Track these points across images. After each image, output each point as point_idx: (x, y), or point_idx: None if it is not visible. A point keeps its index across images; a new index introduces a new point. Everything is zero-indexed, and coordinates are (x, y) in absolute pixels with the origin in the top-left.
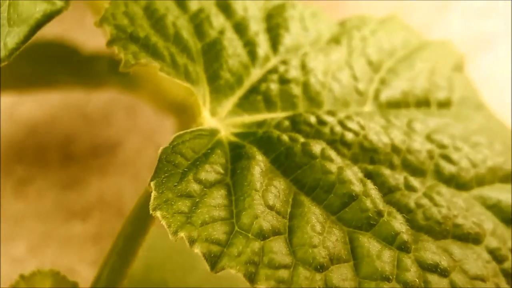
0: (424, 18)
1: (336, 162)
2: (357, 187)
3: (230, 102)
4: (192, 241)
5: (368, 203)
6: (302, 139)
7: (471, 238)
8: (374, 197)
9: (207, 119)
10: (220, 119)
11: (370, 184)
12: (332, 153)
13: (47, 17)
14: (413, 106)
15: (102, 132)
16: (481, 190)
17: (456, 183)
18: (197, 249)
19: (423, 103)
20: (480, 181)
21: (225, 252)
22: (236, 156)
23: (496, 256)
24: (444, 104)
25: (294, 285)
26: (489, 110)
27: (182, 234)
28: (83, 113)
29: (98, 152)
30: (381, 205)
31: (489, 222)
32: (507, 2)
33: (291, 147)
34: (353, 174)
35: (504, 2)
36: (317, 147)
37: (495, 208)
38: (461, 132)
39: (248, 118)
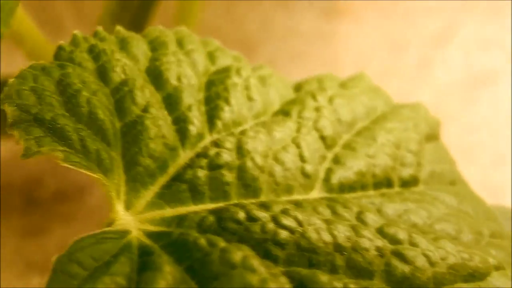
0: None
1: (258, 272)
2: None
3: (150, 193)
4: None
5: None
6: (222, 244)
7: None
8: None
9: (121, 214)
10: (136, 213)
11: None
12: (255, 262)
13: None
14: (371, 188)
15: (70, 175)
16: None
17: (410, 285)
18: None
19: (383, 183)
20: (439, 282)
21: None
22: (144, 264)
23: None
24: (409, 183)
25: None
26: (464, 185)
27: None
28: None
29: (65, 197)
30: None
31: None
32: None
33: (209, 253)
34: (277, 287)
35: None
36: (238, 254)
37: None
38: (423, 220)
39: (170, 212)
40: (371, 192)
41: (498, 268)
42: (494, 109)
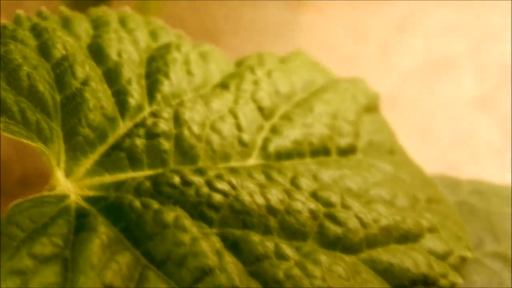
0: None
1: (190, 231)
2: (211, 261)
3: (89, 161)
4: None
5: (223, 279)
6: (156, 206)
7: None
8: (230, 272)
9: (61, 181)
10: (76, 180)
11: (228, 257)
12: (187, 222)
13: None
14: (308, 156)
15: (35, 162)
16: (372, 252)
17: (343, 245)
18: None
19: (320, 151)
20: (371, 243)
21: None
22: (80, 226)
23: None
24: (346, 152)
25: None
26: (403, 155)
27: None
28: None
29: (30, 184)
30: (237, 280)
31: None
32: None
33: (143, 215)
34: (208, 245)
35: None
36: (170, 215)
37: (386, 274)
38: (358, 185)
39: (109, 178)
40: (308, 160)
41: (431, 230)
42: (455, 94)
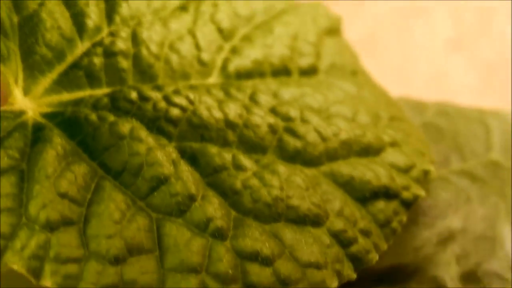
0: None
1: (146, 142)
2: (166, 169)
3: (48, 79)
4: None
5: (179, 187)
6: (111, 118)
7: (308, 221)
8: (186, 180)
9: (18, 99)
10: (33, 98)
11: (183, 166)
12: (142, 133)
13: None
14: (269, 76)
15: None
16: (332, 165)
17: (303, 159)
18: None
19: (281, 71)
20: (332, 156)
21: (9, 246)
22: (36, 139)
23: (340, 239)
24: (308, 72)
25: (84, 281)
26: (366, 77)
27: None
28: None
29: None
30: (193, 188)
31: (337, 202)
32: None
33: (99, 127)
34: (164, 155)
35: None
36: (125, 126)
37: (347, 186)
38: (319, 103)
39: (67, 96)
40: (269, 80)
41: (393, 145)
42: (430, 36)
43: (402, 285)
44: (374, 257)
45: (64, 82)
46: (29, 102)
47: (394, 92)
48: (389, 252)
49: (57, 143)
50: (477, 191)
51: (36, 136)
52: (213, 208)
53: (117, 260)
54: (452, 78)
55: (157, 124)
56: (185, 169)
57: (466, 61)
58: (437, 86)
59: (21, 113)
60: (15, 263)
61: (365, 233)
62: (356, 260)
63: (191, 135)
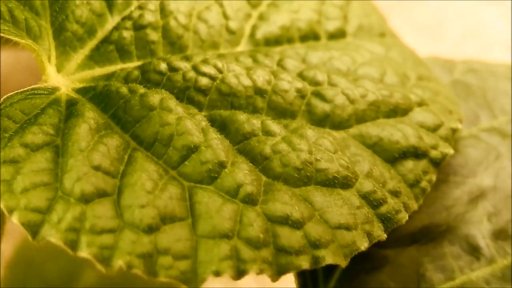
0: None
1: (175, 112)
2: (196, 138)
3: (80, 56)
4: (10, 211)
5: (209, 155)
6: (141, 90)
7: (338, 183)
8: (215, 147)
9: (52, 76)
10: (67, 75)
11: (212, 134)
12: (172, 103)
13: None
14: (297, 41)
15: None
16: (361, 127)
17: (332, 122)
18: (15, 219)
19: (309, 36)
20: (360, 118)
21: (46, 219)
22: (69, 114)
23: (370, 200)
24: (336, 36)
25: (119, 250)
26: (394, 38)
27: (1, 204)
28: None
29: None
30: (223, 155)
31: (366, 163)
32: None
33: (129, 99)
34: (193, 124)
35: None
36: (155, 97)
37: (376, 147)
38: (346, 65)
39: (99, 71)
40: (298, 45)
41: (421, 104)
42: None
43: (434, 244)
44: (404, 216)
45: (96, 57)
46: (62, 79)
47: (428, 47)
48: (420, 212)
49: (90, 117)
50: (507, 148)
51: (69, 111)
52: (243, 174)
53: (151, 229)
54: (485, 30)
55: (187, 94)
56: (215, 137)
57: (499, 12)
58: (470, 39)
59: (54, 89)
60: (52, 235)
61: (395, 193)
62: (386, 220)
63: (221, 103)
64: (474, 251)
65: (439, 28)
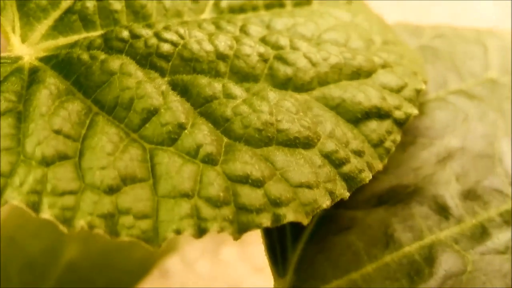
0: None
1: (135, 76)
2: (156, 101)
3: (44, 26)
4: None
5: (168, 117)
6: (102, 56)
7: (299, 143)
8: (175, 110)
9: (16, 46)
10: (31, 45)
11: (172, 96)
12: (132, 68)
13: None
14: (262, 9)
15: None
16: (324, 90)
17: (294, 85)
18: None
19: (274, 4)
20: (323, 81)
21: (8, 183)
22: (31, 81)
23: (332, 160)
24: (302, 3)
25: (81, 211)
26: (361, 4)
27: None
28: None
29: None
30: (183, 117)
31: (328, 124)
32: None
33: (91, 66)
34: (153, 88)
35: None
36: (116, 62)
37: (338, 108)
38: (310, 31)
39: (63, 41)
40: (262, 12)
41: (384, 66)
42: None
43: (402, 205)
44: (368, 176)
45: (60, 27)
46: (26, 49)
47: (392, 18)
48: (388, 173)
49: (51, 83)
50: (475, 110)
51: (32, 78)
52: (203, 135)
53: (111, 190)
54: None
55: (150, 60)
56: (174, 99)
57: None
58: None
59: (17, 58)
60: (15, 198)
61: (358, 153)
62: (349, 179)
63: (183, 68)
64: (442, 211)
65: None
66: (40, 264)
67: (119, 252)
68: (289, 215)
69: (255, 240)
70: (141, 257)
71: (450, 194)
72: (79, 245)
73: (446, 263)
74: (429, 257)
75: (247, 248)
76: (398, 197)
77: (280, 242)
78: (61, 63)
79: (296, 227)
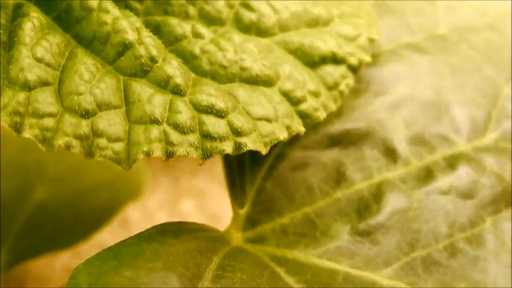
0: None
1: (112, 13)
2: (130, 36)
3: None
4: None
5: (142, 50)
6: None
7: (260, 81)
8: (148, 44)
9: None
10: None
11: (145, 32)
12: (109, 5)
13: None
14: None
15: None
16: (284, 35)
17: (257, 29)
18: None
19: None
20: (284, 27)
21: None
22: (16, 15)
23: (290, 97)
24: None
25: (59, 132)
26: None
27: None
28: None
29: None
30: (155, 51)
31: (287, 66)
32: None
33: (71, 3)
34: (128, 24)
35: None
36: (94, 0)
37: (297, 52)
38: None
39: None
40: None
41: (341, 17)
42: None
43: (355, 147)
44: (322, 114)
45: None
46: None
47: None
48: (342, 118)
49: (34, 16)
50: (425, 63)
51: (16, 12)
52: (173, 68)
53: (88, 114)
54: None
55: (125, 2)
56: (148, 35)
57: None
58: None
59: None
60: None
61: (314, 94)
62: (305, 116)
63: (155, 10)
64: (391, 154)
65: None
66: (10, 204)
67: (85, 195)
68: (250, 144)
69: (212, 194)
70: (105, 201)
71: (399, 139)
72: (48, 187)
73: (394, 200)
74: (377, 194)
75: (204, 201)
76: (351, 139)
77: (239, 176)
78: (44, 0)
79: (254, 163)
